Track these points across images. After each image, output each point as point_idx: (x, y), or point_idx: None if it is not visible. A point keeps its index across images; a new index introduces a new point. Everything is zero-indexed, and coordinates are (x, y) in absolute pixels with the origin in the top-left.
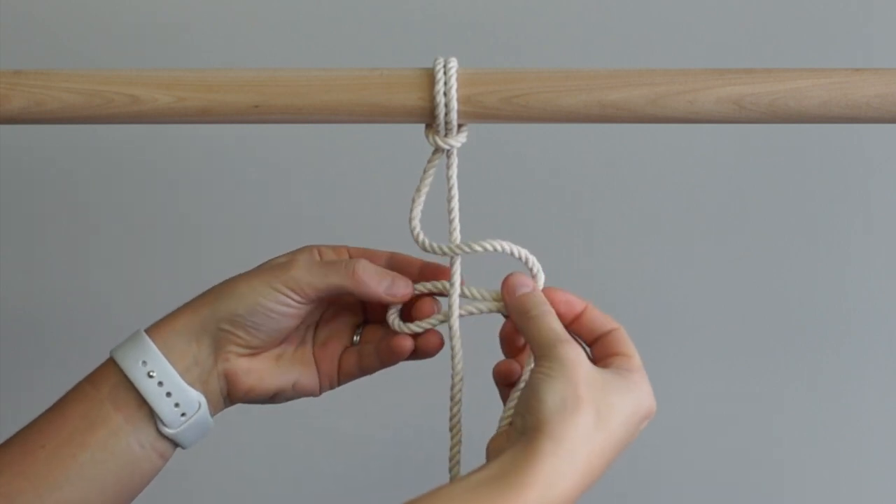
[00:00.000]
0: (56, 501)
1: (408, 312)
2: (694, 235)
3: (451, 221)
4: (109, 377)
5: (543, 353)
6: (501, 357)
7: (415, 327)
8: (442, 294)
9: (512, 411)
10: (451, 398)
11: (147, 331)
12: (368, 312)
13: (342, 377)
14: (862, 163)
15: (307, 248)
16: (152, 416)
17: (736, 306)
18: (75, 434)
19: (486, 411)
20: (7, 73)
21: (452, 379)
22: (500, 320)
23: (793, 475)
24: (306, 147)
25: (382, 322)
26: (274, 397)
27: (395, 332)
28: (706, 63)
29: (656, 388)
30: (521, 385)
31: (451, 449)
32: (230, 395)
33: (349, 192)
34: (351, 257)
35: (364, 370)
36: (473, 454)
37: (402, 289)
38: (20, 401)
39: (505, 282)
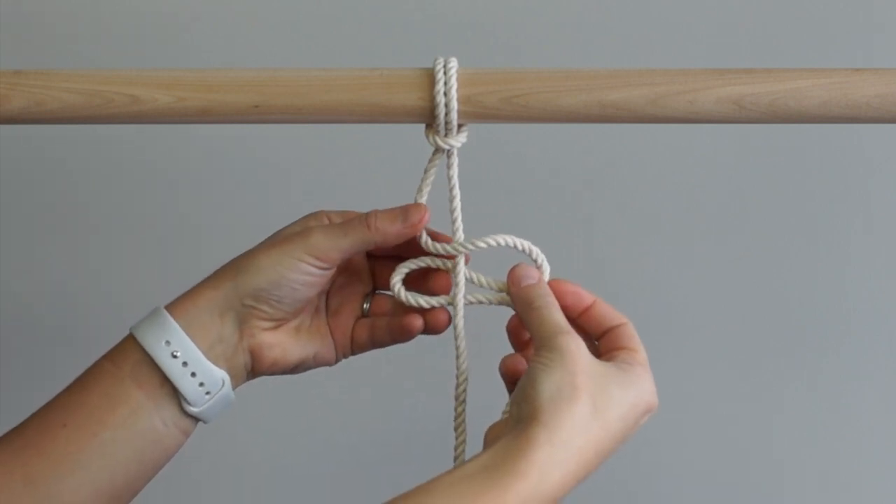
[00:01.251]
0: (78, 480)
1: (423, 285)
2: (694, 235)
3: (453, 222)
4: (130, 355)
5: (543, 344)
6: (509, 353)
7: (422, 301)
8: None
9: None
10: (456, 398)
11: (167, 308)
12: (377, 279)
13: (355, 348)
14: (862, 163)
15: (315, 215)
16: (175, 394)
17: (736, 306)
18: (96, 412)
19: (492, 409)
20: (7, 73)
21: (457, 379)
22: (508, 314)
23: (793, 475)
24: (306, 147)
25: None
26: (295, 369)
27: (406, 310)
28: (706, 63)
29: (657, 387)
30: None
31: (456, 448)
32: (254, 369)
33: (349, 192)
34: None
35: (376, 343)
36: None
37: (415, 214)
38: (21, 400)
39: (511, 273)
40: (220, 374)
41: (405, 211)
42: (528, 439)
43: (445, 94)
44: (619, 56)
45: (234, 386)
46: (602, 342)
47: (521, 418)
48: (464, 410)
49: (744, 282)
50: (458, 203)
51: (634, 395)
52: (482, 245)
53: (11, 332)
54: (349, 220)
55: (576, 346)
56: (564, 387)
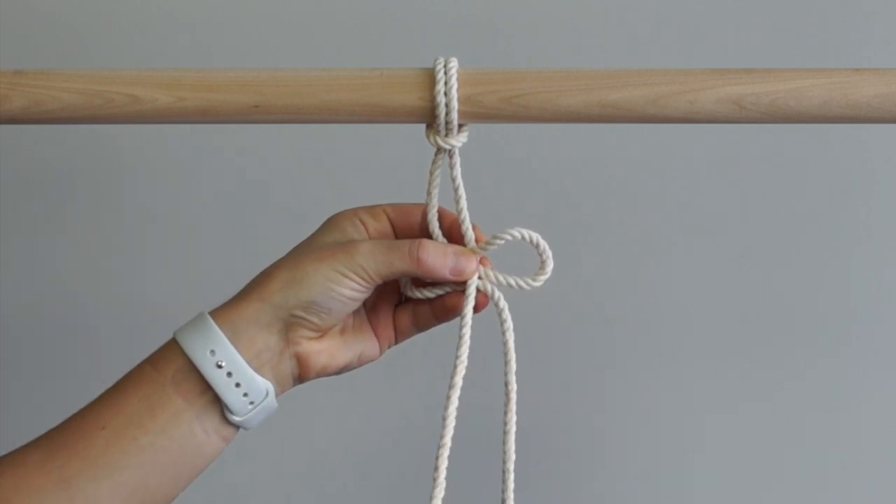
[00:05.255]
0: (114, 484)
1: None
2: (695, 235)
3: (462, 223)
4: (173, 361)
5: None
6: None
7: (428, 293)
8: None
9: None
10: (451, 386)
11: (212, 314)
12: None
13: (399, 337)
14: (862, 163)
15: (350, 218)
16: (217, 401)
17: (736, 306)
18: (135, 417)
19: (493, 408)
20: (7, 73)
21: (455, 367)
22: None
23: (793, 475)
24: (306, 147)
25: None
26: (342, 370)
27: (449, 291)
28: (706, 63)
29: (656, 388)
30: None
31: (442, 437)
32: (301, 376)
33: (350, 192)
34: (388, 217)
35: (420, 328)
36: (476, 444)
37: (468, 267)
38: (21, 401)
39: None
40: (265, 385)
41: (457, 258)
42: None
43: (446, 94)
44: (619, 56)
45: (280, 392)
46: None
47: None
48: (457, 398)
49: (744, 282)
50: (464, 203)
51: None
52: (493, 247)
53: (11, 332)
54: (397, 247)
55: None
56: None
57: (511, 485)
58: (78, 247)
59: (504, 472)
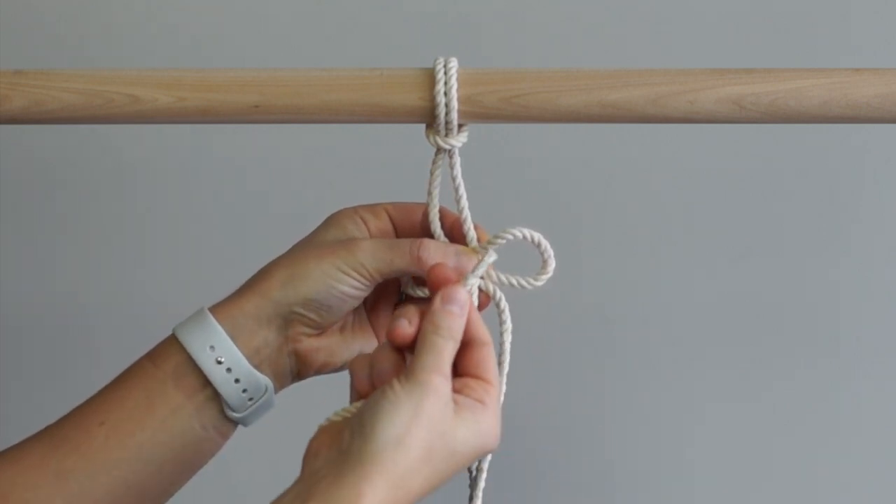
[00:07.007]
0: (112, 480)
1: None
2: (694, 235)
3: (463, 222)
4: (172, 356)
5: (413, 371)
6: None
7: (430, 292)
8: None
9: (350, 413)
10: None
11: (212, 310)
12: None
13: None
14: (863, 163)
15: (351, 217)
16: (216, 397)
17: (736, 306)
18: (135, 412)
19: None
20: (7, 73)
21: None
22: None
23: (793, 475)
24: (306, 147)
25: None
26: (341, 368)
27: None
28: (706, 63)
29: (656, 388)
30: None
31: None
32: (300, 373)
33: (350, 192)
34: (389, 216)
35: None
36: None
37: (468, 265)
38: (21, 399)
39: (443, 290)
40: (264, 381)
41: (458, 257)
42: (346, 485)
43: (446, 94)
44: (619, 56)
45: (279, 389)
46: (459, 358)
47: (349, 452)
48: None
49: (744, 282)
50: (465, 203)
51: (477, 442)
52: (494, 247)
53: (12, 331)
54: (398, 245)
55: (442, 389)
56: (405, 437)
57: (482, 483)
58: (78, 247)
59: (477, 470)
